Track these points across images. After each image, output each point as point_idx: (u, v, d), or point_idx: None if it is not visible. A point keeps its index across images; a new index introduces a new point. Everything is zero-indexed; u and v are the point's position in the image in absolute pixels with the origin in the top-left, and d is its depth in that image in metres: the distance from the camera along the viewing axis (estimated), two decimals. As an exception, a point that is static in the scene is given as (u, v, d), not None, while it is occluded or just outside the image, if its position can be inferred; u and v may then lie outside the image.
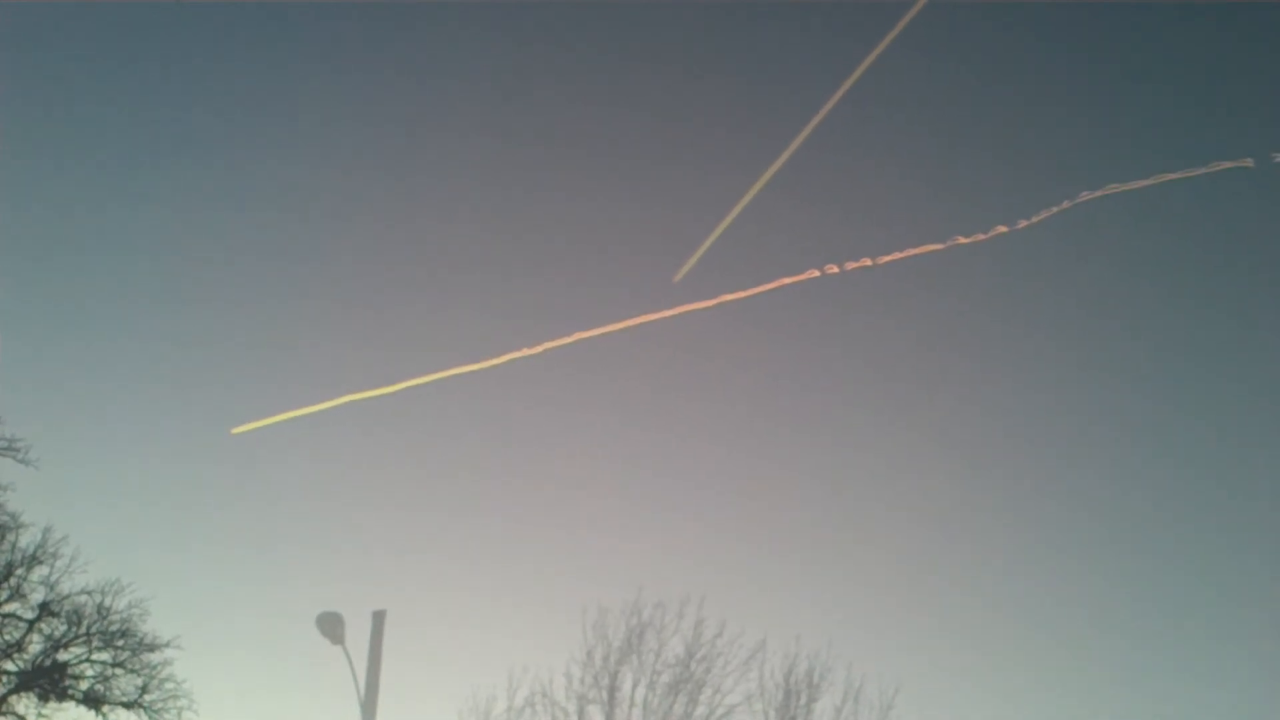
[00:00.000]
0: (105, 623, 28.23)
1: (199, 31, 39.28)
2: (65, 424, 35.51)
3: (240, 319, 39.21)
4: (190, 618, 29.73)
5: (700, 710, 24.80)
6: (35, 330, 36.11)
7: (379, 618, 20.01)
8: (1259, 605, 35.23)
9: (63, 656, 28.14)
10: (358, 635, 19.98)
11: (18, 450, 27.85)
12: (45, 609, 28.13)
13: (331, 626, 19.67)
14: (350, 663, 19.71)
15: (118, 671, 28.23)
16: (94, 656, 28.27)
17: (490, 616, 32.84)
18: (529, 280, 39.41)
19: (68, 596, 28.21)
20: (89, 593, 28.23)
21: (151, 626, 28.40)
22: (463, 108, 41.06)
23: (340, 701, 20.32)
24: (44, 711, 27.79)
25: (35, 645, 28.04)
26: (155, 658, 28.34)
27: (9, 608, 28.06)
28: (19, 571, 28.08)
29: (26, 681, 27.66)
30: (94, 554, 28.50)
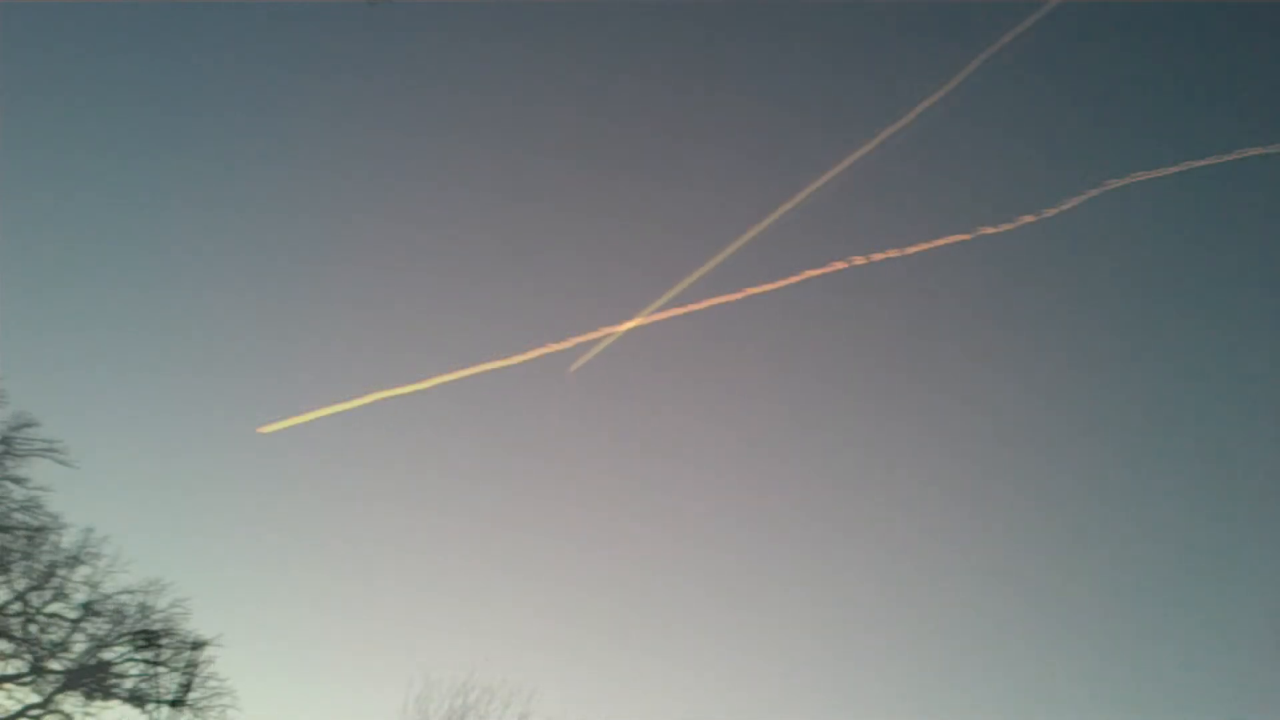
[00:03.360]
0: (148, 622, 28.57)
1: (231, 34, 39.57)
2: (103, 426, 34.30)
3: (272, 322, 39.68)
4: (232, 616, 30.30)
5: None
6: (74, 336, 35.25)
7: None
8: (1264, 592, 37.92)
9: (106, 655, 28.15)
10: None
11: (58, 452, 28.30)
12: (88, 609, 28.16)
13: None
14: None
15: (161, 670, 28.53)
16: (137, 655, 28.44)
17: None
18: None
19: (110, 596, 28.41)
20: (131, 592, 28.59)
21: (194, 625, 29.02)
22: (495, 116, 42.73)
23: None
24: (90, 710, 27.63)
25: (79, 645, 27.93)
26: (197, 656, 28.89)
27: (53, 608, 27.90)
28: (61, 572, 28.06)
29: (73, 680, 27.48)
30: (134, 554, 28.93)
